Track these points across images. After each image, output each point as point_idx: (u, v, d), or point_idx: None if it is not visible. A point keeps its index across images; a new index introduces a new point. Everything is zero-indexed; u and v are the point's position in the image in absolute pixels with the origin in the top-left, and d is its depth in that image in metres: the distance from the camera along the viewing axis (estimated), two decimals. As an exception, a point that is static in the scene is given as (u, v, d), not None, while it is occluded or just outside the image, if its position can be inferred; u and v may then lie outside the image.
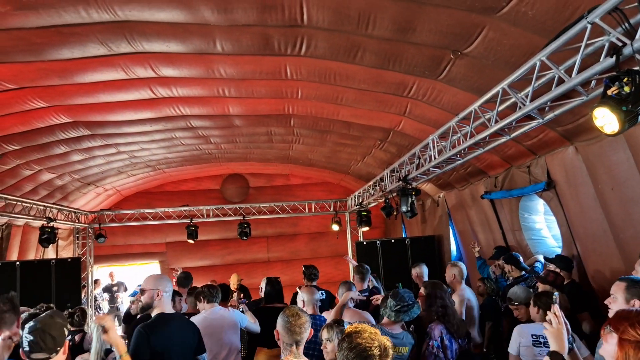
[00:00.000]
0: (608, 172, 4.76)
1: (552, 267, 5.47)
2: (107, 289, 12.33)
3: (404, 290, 4.02)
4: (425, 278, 6.24)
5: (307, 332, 2.93)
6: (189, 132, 8.39)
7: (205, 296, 4.90)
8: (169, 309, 3.53)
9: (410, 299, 3.90)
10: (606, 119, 2.93)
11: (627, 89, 2.76)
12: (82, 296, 10.53)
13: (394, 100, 6.20)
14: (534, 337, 3.81)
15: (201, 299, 4.94)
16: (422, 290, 4.51)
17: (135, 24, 4.61)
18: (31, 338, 2.54)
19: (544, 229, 6.86)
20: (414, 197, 6.84)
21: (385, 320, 3.96)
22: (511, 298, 4.59)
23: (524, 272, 5.88)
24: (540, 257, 6.37)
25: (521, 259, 6.09)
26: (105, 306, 12.19)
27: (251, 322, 5.02)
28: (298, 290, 4.96)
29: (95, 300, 11.78)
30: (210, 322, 4.66)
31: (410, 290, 4.09)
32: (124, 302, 11.83)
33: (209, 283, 5.73)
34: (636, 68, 2.80)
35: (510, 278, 6.02)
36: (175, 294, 5.40)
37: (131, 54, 5.26)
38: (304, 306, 4.54)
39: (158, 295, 3.44)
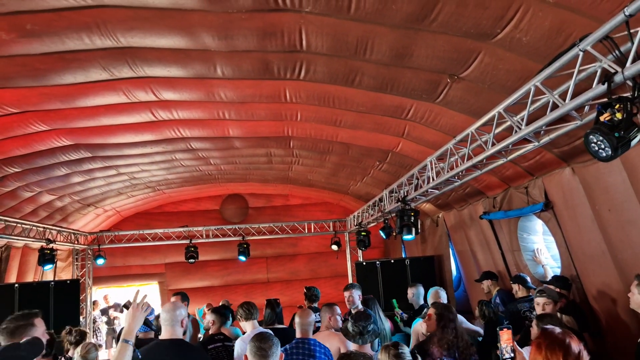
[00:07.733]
0: (605, 194, 4.79)
1: (551, 287, 5.48)
2: (104, 312, 12.28)
3: (360, 313, 3.95)
4: (421, 299, 6.24)
5: (275, 357, 2.91)
6: (189, 153, 8.44)
7: None
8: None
9: (371, 318, 3.84)
10: (599, 145, 2.97)
11: (619, 115, 2.81)
12: (81, 318, 10.48)
13: (392, 122, 6.26)
14: None
15: None
16: (431, 311, 4.45)
17: (137, 49, 4.69)
18: None
19: (543, 249, 6.87)
20: (412, 218, 6.87)
21: (354, 347, 3.80)
22: (544, 291, 4.66)
23: (530, 293, 5.88)
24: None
25: (528, 279, 6.09)
26: (103, 328, 12.13)
27: None
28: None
29: (94, 322, 11.71)
30: None
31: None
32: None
33: None
34: (627, 95, 2.85)
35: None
36: None
37: (133, 79, 5.33)
38: None
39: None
